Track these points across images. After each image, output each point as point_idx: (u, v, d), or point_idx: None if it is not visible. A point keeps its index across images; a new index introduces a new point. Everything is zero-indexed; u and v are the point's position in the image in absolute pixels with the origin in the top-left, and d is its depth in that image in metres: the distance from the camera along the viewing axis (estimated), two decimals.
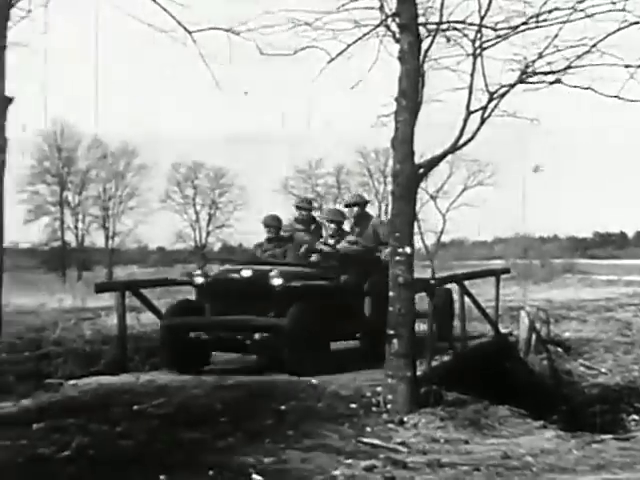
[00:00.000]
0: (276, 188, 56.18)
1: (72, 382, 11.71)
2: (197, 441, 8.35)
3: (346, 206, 14.33)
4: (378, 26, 10.05)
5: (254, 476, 7.26)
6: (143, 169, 60.69)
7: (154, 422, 9.04)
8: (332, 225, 13.82)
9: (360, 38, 10.15)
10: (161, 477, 7.18)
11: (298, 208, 14.60)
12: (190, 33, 11.55)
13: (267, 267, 12.37)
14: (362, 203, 14.11)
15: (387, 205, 59.06)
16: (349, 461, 7.80)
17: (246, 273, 12.27)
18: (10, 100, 11.09)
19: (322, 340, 11.90)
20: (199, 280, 12.59)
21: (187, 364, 12.22)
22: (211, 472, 7.31)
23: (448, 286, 13.91)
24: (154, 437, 8.44)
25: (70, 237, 60.96)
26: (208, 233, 61.67)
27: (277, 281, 11.93)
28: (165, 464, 7.54)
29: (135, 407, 9.71)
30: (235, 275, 12.37)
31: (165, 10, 11.33)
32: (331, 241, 13.65)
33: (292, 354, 11.55)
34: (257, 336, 11.71)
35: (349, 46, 10.15)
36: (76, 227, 61.02)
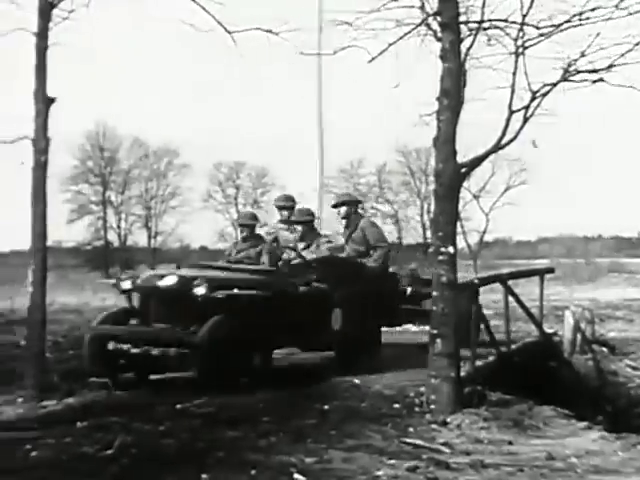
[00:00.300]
0: (316, 187, 56.33)
1: None
2: (239, 440, 8.35)
3: (333, 206, 13.23)
4: (419, 25, 10.02)
5: (296, 475, 7.26)
6: (184, 168, 61.13)
7: (196, 421, 9.07)
8: (299, 227, 12.96)
9: (401, 37, 10.11)
10: (203, 476, 7.19)
11: (280, 208, 13.51)
12: (230, 33, 11.57)
13: (197, 273, 11.30)
14: (351, 202, 13.09)
15: (429, 204, 59.03)
16: (392, 461, 7.77)
17: (170, 280, 11.08)
18: (52, 100, 11.18)
19: (249, 358, 10.89)
20: (125, 286, 11.41)
21: (114, 381, 11.06)
22: (253, 471, 7.31)
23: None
24: (196, 436, 8.46)
25: (113, 236, 61.56)
26: None
27: (200, 290, 10.76)
28: (207, 463, 7.55)
29: (178, 406, 9.76)
30: (159, 282, 11.16)
31: (205, 10, 11.35)
32: (301, 245, 12.78)
33: (203, 374, 10.53)
34: (172, 351, 10.61)
35: (390, 45, 10.11)
36: (119, 226, 61.62)
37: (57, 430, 8.65)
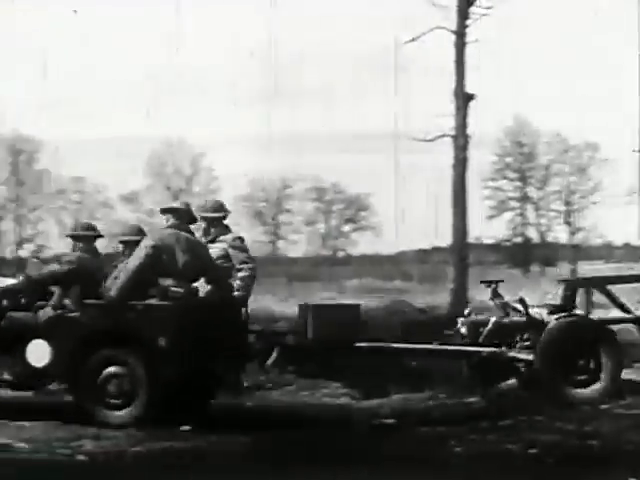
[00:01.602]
0: None
1: None
2: None
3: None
4: None
5: None
6: (605, 162, 59.67)
7: (624, 422, 8.87)
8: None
9: None
10: None
11: (204, 218, 9.75)
12: None
13: None
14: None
15: None
16: None
17: None
18: (471, 97, 11.30)
19: None
20: None
21: None
22: None
23: None
24: (624, 438, 8.24)
25: (532, 232, 61.36)
26: None
27: None
28: (634, 466, 7.27)
29: (602, 406, 9.63)
30: None
31: None
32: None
33: None
34: None
35: None
36: (538, 222, 61.35)
37: (480, 426, 8.76)
